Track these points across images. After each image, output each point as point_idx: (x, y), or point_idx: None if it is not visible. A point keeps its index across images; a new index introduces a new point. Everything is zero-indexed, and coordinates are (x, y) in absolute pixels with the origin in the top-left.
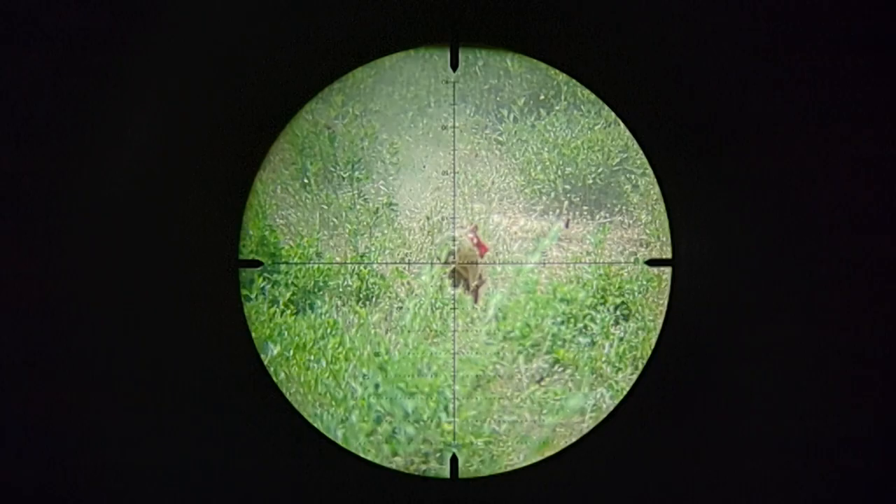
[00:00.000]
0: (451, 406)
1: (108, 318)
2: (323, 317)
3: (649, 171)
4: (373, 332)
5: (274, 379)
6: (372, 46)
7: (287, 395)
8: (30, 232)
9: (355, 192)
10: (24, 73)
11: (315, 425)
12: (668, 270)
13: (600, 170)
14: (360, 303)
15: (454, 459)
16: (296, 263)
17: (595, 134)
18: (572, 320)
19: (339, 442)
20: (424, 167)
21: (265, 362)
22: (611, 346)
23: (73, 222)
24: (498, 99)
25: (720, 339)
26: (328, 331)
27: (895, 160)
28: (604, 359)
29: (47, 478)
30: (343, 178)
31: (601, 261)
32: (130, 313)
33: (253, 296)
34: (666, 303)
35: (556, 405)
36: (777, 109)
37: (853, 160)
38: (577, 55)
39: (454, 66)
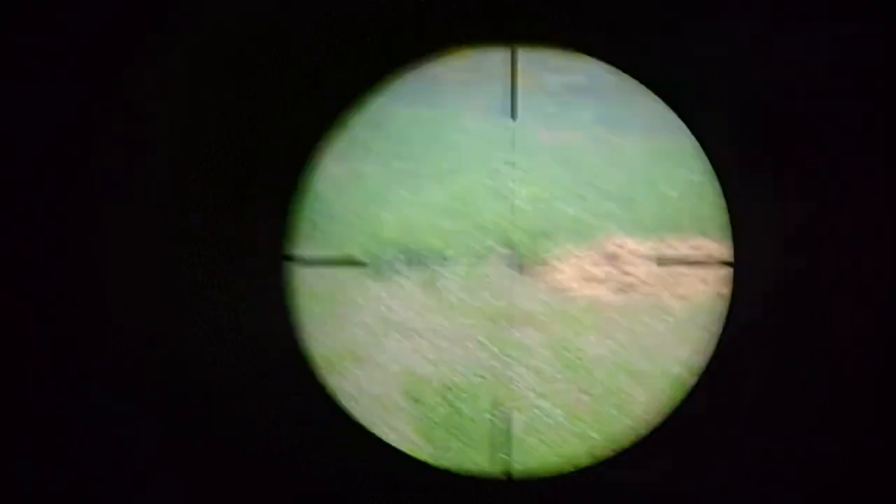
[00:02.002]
0: None
1: (145, 313)
2: None
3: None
4: None
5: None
6: (426, 46)
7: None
8: (64, 225)
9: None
10: (62, 58)
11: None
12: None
13: None
14: None
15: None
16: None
17: None
18: None
19: None
20: None
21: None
22: None
23: (112, 217)
24: None
25: (781, 340)
26: None
27: None
28: None
29: (63, 476)
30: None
31: None
32: (174, 308)
33: None
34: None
35: None
36: (844, 112)
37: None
38: (637, 54)
39: (513, 114)
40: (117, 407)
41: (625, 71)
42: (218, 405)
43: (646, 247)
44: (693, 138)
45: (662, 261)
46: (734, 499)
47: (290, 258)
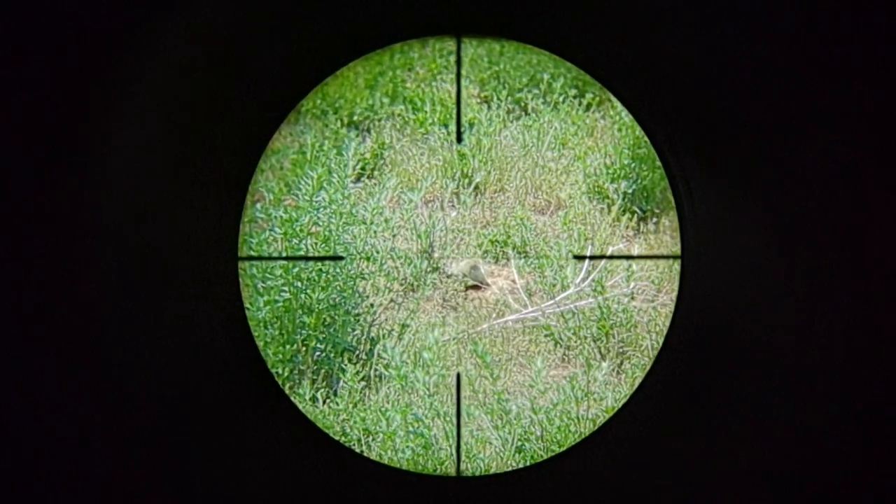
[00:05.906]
0: None
1: (105, 314)
2: None
3: (659, 164)
4: None
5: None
6: (374, 37)
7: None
8: (28, 226)
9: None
10: (22, 70)
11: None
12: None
13: None
14: None
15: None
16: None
17: None
18: None
19: None
20: None
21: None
22: None
23: (69, 216)
24: None
25: (730, 335)
26: None
27: None
28: None
29: (37, 479)
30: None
31: None
32: (128, 309)
33: None
34: (675, 298)
35: None
36: (790, 105)
37: (865, 156)
38: (585, 46)
39: (459, 138)
40: (69, 407)
41: (579, 65)
42: (177, 405)
43: (582, 265)
44: (645, 136)
45: (595, 282)
46: (677, 493)
47: (242, 258)
